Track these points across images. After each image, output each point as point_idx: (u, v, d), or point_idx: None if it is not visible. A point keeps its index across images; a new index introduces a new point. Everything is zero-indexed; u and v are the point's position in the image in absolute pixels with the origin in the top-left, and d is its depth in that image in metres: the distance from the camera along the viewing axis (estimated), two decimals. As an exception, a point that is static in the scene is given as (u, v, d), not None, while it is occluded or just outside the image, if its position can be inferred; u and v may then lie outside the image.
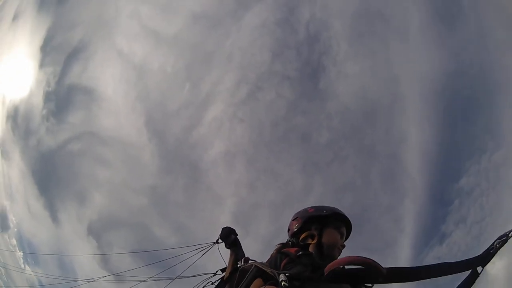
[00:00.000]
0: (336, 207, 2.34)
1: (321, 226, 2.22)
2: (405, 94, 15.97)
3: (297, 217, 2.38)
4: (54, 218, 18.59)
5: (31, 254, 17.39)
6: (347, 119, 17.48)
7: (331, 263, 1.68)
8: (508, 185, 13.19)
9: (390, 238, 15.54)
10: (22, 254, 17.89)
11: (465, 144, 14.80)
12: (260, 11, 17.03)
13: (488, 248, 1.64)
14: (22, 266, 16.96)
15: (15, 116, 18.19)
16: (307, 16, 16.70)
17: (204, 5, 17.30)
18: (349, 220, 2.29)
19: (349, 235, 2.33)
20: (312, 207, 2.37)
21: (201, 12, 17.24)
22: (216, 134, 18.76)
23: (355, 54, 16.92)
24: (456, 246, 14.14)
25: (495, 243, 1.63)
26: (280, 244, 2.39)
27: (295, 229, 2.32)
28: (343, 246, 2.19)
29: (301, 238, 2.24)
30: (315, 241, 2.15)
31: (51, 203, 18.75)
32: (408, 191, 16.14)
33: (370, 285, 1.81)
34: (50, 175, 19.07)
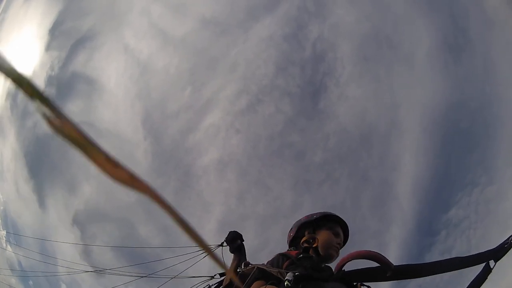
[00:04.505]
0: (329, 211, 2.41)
1: (313, 229, 2.28)
2: (403, 121, 16.15)
3: (292, 228, 2.45)
4: (41, 202, 18.35)
5: (15, 233, 17.11)
6: (343, 141, 17.57)
7: (341, 260, 1.71)
8: (497, 219, 13.34)
9: (374, 263, 15.55)
10: (5, 233, 17.58)
11: (458, 176, 14.98)
12: (269, 24, 17.15)
13: (502, 243, 1.65)
14: (4, 245, 16.63)
15: (15, 94, 17.98)
16: (315, 35, 16.83)
17: (215, 11, 17.41)
18: (341, 218, 2.35)
19: (347, 233, 2.36)
20: (306, 216, 2.44)
21: (211, 18, 17.33)
22: (212, 141, 18.70)
23: (358, 77, 17.07)
24: (439, 276, 14.18)
25: (510, 239, 1.64)
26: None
27: (290, 239, 2.39)
28: (340, 244, 2.22)
29: (301, 242, 2.28)
30: (315, 244, 2.19)
31: (40, 187, 18.52)
32: (396, 218, 16.22)
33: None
34: (42, 160, 18.86)
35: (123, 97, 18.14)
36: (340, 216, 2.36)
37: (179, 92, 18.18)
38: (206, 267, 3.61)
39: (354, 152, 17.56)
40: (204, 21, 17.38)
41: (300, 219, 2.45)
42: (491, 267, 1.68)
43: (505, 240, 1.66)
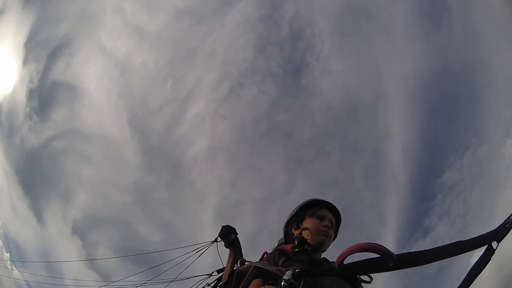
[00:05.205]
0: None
1: (298, 223, 2.24)
2: (389, 91, 16.22)
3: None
4: (39, 218, 18.27)
5: (18, 254, 17.03)
6: (330, 115, 17.73)
7: (341, 254, 1.67)
8: (492, 179, 13.52)
9: (374, 233, 15.82)
10: (8, 255, 17.45)
11: (448, 140, 15.14)
12: (244, 8, 17.07)
13: (503, 222, 1.60)
14: (10, 267, 16.56)
15: (-1, 113, 17.73)
16: (291, 13, 16.80)
17: (187, 1, 17.21)
18: (320, 200, 2.28)
19: (337, 213, 2.29)
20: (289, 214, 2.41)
21: (185, 9, 17.15)
22: (199, 131, 18.86)
23: (339, 51, 17.10)
24: (440, 239, 14.48)
25: (511, 217, 1.59)
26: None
27: (283, 241, 2.38)
28: (328, 226, 2.15)
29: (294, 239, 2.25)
30: (307, 238, 2.14)
31: (36, 202, 18.41)
32: (391, 186, 16.47)
33: (369, 280, 1.81)
34: (34, 174, 18.70)
35: (106, 98, 18.05)
36: (321, 199, 2.30)
37: (160, 86, 18.16)
38: (203, 265, 3.59)
39: (342, 126, 17.75)
40: (178, 12, 17.19)
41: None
42: (494, 248, 1.61)
43: (506, 220, 1.60)
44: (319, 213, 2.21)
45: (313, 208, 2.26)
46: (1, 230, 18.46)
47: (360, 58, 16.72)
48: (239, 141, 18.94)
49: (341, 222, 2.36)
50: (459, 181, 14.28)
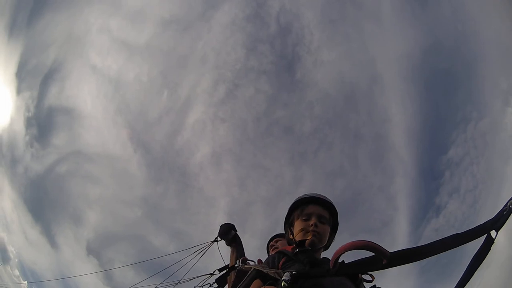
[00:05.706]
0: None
1: (289, 227, 2.21)
2: (383, 74, 16.16)
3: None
4: (53, 243, 18.36)
5: (36, 282, 17.09)
6: (328, 105, 17.70)
7: (334, 253, 1.64)
8: (497, 150, 13.39)
9: (386, 217, 15.82)
10: (26, 284, 17.56)
11: (449, 116, 15.04)
12: (229, 9, 17.12)
13: (501, 210, 1.52)
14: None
15: (-1, 144, 17.85)
16: (276, 9, 16.84)
17: (172, 10, 17.28)
18: (304, 198, 2.21)
19: (329, 205, 2.19)
20: None
21: (170, 18, 17.25)
22: (200, 137, 18.90)
23: (329, 41, 17.08)
24: (453, 216, 14.36)
25: (508, 204, 1.52)
26: None
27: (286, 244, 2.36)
28: (315, 223, 2.08)
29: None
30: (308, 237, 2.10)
31: (47, 228, 18.51)
32: (398, 169, 16.43)
33: (370, 279, 1.77)
34: (42, 200, 18.82)
35: (103, 117, 18.15)
36: (304, 195, 2.22)
37: (156, 98, 18.24)
38: (204, 265, 3.58)
39: (341, 114, 17.74)
40: (164, 22, 17.30)
41: None
42: (493, 237, 1.55)
43: (503, 207, 1.54)
44: (305, 212, 2.15)
45: (297, 210, 2.21)
46: (16, 260, 18.59)
47: (351, 45, 16.73)
48: (242, 142, 19.02)
49: (340, 210, 2.26)
50: (464, 156, 14.19)
